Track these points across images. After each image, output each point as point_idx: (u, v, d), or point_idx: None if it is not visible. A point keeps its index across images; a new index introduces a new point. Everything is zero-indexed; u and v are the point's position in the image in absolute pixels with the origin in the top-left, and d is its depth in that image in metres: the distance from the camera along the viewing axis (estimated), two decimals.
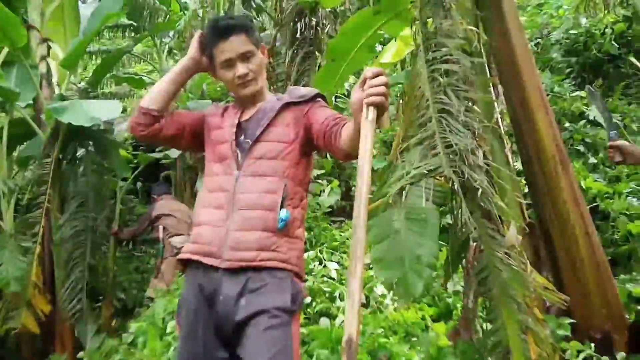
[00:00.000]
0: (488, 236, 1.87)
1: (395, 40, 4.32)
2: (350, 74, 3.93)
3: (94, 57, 7.69)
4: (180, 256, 1.79)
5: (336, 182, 4.34)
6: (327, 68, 3.35)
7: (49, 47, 5.09)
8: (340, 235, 3.92)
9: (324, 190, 4.20)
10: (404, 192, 1.93)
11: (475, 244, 1.96)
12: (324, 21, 4.82)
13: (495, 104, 2.48)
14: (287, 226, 1.68)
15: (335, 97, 5.19)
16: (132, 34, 7.30)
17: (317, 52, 5.05)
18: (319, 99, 1.87)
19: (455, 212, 1.93)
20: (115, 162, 4.67)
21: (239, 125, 1.82)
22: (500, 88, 2.42)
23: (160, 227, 4.91)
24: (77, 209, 4.58)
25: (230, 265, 1.63)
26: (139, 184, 6.76)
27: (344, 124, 1.66)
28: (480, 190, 1.82)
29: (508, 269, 1.82)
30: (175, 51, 8.04)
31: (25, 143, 4.90)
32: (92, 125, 4.36)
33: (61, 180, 4.63)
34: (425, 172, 1.91)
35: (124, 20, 6.95)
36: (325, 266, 3.33)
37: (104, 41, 8.54)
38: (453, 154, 1.87)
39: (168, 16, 6.87)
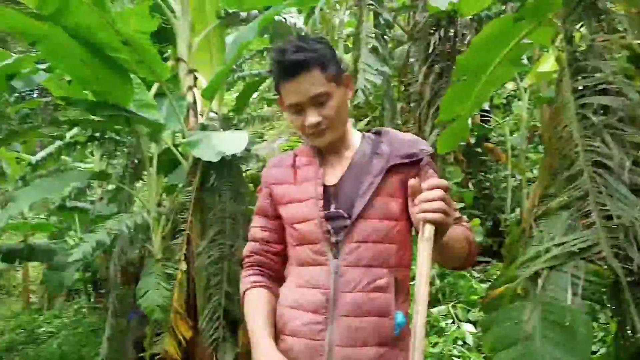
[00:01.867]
0: None
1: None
2: (489, 93, 3.34)
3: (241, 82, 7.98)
4: None
5: (477, 221, 3.72)
6: (456, 88, 2.84)
7: (195, 78, 5.34)
8: (481, 286, 3.24)
9: None
10: (540, 278, 1.39)
11: None
12: (464, 31, 4.20)
13: None
14: (402, 332, 1.30)
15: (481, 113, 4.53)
16: None
17: (455, 68, 4.39)
18: (429, 159, 1.43)
19: (622, 314, 1.34)
20: (248, 190, 4.66)
21: (324, 190, 1.44)
22: None
23: None
24: (215, 237, 4.66)
25: None
26: None
27: None
28: None
29: None
30: None
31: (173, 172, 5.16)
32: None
33: (202, 208, 4.76)
34: (575, 251, 1.35)
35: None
36: (459, 327, 2.78)
37: (257, 66, 8.86)
38: (614, 228, 1.29)
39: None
